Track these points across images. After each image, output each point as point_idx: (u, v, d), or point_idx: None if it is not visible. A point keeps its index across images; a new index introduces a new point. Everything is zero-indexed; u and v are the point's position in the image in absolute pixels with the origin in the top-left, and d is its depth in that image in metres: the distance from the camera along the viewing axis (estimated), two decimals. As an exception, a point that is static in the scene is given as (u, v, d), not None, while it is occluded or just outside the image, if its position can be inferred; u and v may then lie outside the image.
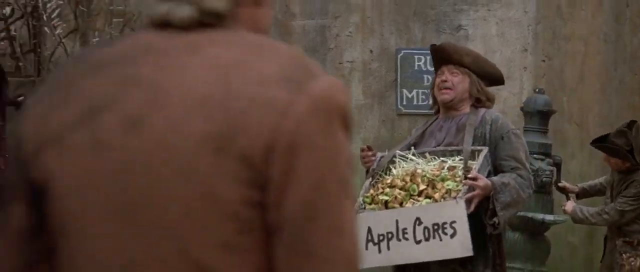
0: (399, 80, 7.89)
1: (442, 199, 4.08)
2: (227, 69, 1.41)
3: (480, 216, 4.13)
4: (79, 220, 1.46)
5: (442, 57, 4.46)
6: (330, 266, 1.39)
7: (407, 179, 4.19)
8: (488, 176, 4.14)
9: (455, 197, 4.05)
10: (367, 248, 4.11)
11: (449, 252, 3.99)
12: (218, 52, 1.43)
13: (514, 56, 7.95)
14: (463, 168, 4.16)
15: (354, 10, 7.98)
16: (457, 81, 4.33)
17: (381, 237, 4.08)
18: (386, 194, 4.19)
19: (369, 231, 4.12)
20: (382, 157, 4.42)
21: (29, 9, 8.86)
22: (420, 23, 8.23)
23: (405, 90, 8.00)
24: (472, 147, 4.22)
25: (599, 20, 8.27)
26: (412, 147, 4.45)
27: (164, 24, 1.46)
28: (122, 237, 1.42)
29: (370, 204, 4.26)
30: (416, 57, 8.21)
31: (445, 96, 4.39)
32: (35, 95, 1.58)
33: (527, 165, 4.33)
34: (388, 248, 4.05)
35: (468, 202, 4.01)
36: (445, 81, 4.38)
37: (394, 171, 4.30)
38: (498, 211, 4.06)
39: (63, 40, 8.65)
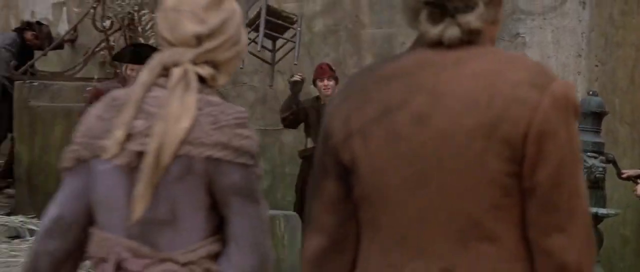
0: None
1: None
2: (488, 76, 1.79)
3: None
4: (380, 190, 1.86)
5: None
6: (570, 217, 1.78)
7: None
8: None
9: None
10: None
11: None
12: (479, 64, 1.80)
13: (569, 61, 7.88)
14: None
15: None
16: None
17: None
18: None
19: None
20: None
21: (126, 22, 9.13)
22: None
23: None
24: None
25: (650, 27, 8.20)
26: None
27: (436, 43, 1.82)
28: (415, 202, 1.81)
29: None
30: None
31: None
32: (334, 102, 1.99)
33: None
34: None
35: None
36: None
37: None
38: None
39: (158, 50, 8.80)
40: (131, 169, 2.23)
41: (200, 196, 2.26)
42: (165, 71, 2.26)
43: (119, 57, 7.39)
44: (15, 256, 8.09)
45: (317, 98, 7.77)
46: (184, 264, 2.26)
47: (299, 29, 8.33)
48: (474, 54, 1.83)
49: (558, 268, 1.80)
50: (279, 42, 8.46)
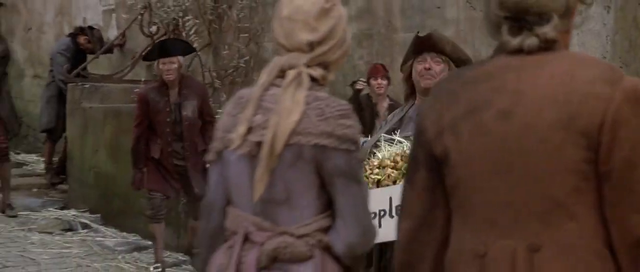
0: None
1: None
2: (564, 76, 1.96)
3: None
4: (470, 178, 2.05)
5: (427, 45, 4.08)
6: None
7: (398, 159, 3.84)
8: None
9: None
10: None
11: None
12: (556, 66, 1.98)
13: (594, 63, 7.83)
14: None
15: (449, 24, 7.93)
16: (439, 70, 4.01)
17: (373, 215, 3.63)
18: (377, 174, 3.85)
19: None
20: (365, 141, 4.02)
21: (171, 28, 9.21)
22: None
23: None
24: None
25: (672, 30, 8.12)
26: (396, 132, 4.05)
27: (515, 51, 2.01)
28: (502, 187, 1.99)
29: None
30: None
31: (427, 82, 4.01)
32: (426, 104, 2.23)
33: None
34: (380, 225, 3.67)
35: None
36: (429, 69, 4.03)
37: (380, 154, 3.95)
38: None
39: (199, 53, 8.79)
40: (252, 157, 2.50)
41: (311, 178, 2.50)
42: (281, 73, 2.50)
43: (149, 57, 7.40)
44: (68, 248, 8.27)
45: (369, 96, 7.76)
46: (299, 237, 2.50)
47: None
48: (551, 58, 2.00)
49: (635, 244, 1.95)
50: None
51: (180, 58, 6.91)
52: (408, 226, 2.22)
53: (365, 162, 3.88)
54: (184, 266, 7.63)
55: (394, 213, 3.65)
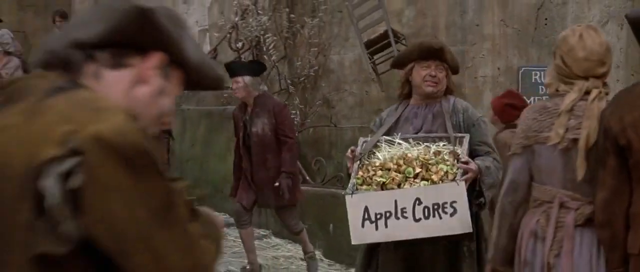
0: (520, 89, 7.73)
1: (440, 181, 3.52)
2: None
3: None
4: None
5: (435, 53, 3.91)
6: None
7: (401, 162, 3.61)
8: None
9: (454, 179, 3.51)
10: (363, 226, 3.57)
11: (449, 229, 3.50)
12: None
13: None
14: (450, 153, 3.62)
15: (486, 39, 8.01)
16: (442, 76, 3.85)
17: (379, 216, 3.52)
18: (382, 177, 3.62)
19: (366, 210, 3.56)
20: (365, 142, 3.84)
21: (254, 43, 9.41)
22: (536, 47, 8.05)
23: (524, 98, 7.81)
24: (456, 134, 3.70)
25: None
26: (395, 133, 3.85)
27: None
28: None
29: (361, 185, 3.68)
30: (533, 72, 7.98)
31: (431, 88, 3.86)
32: (609, 108, 2.83)
33: (495, 148, 3.88)
34: (386, 226, 3.51)
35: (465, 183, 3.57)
36: (434, 76, 3.86)
37: (380, 154, 3.72)
38: (484, 192, 3.61)
39: (276, 64, 9.03)
40: (566, 150, 2.99)
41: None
42: (586, 94, 2.99)
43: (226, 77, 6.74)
44: None
45: None
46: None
47: (395, 47, 8.18)
48: None
49: None
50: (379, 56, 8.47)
51: (246, 78, 6.39)
52: (604, 195, 2.85)
53: (365, 162, 3.71)
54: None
55: (399, 215, 3.50)
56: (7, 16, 11.96)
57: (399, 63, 4.08)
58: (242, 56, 9.62)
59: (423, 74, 3.83)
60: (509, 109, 5.81)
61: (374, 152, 3.72)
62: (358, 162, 3.71)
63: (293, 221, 6.62)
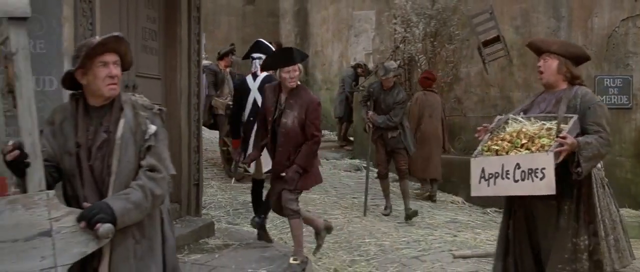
0: (595, 92, 7.46)
1: (537, 151, 3.35)
2: None
3: (568, 166, 3.35)
4: None
5: (536, 50, 3.62)
6: None
7: (514, 135, 3.48)
8: (576, 137, 3.37)
9: (546, 151, 3.30)
10: (480, 182, 3.42)
11: (537, 190, 3.26)
12: None
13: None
14: (556, 129, 3.41)
15: None
16: (547, 66, 3.53)
17: (490, 175, 3.39)
18: (497, 145, 3.49)
19: (483, 170, 3.41)
20: (499, 118, 3.64)
21: (407, 61, 9.95)
22: (607, 63, 8.17)
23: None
24: (565, 114, 3.44)
25: None
26: (522, 113, 3.63)
27: None
28: None
29: (487, 151, 3.52)
30: (604, 79, 8.16)
31: (540, 78, 3.62)
32: None
33: (608, 129, 3.47)
34: (495, 183, 3.36)
35: (557, 154, 3.27)
36: (539, 67, 3.60)
37: (508, 129, 3.55)
38: (581, 163, 3.31)
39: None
40: None
41: None
42: None
43: (271, 66, 4.97)
44: (352, 178, 8.83)
45: None
46: None
47: (504, 42, 8.20)
48: None
49: None
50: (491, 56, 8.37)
51: (300, 66, 4.84)
52: None
53: (495, 133, 3.55)
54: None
55: (504, 176, 3.33)
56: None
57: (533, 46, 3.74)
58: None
59: (538, 67, 3.64)
60: None
61: (505, 127, 3.59)
62: (489, 133, 3.59)
63: (290, 204, 4.83)
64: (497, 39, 8.43)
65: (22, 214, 2.29)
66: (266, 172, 5.51)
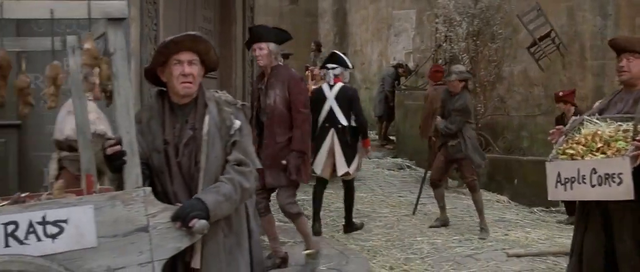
0: None
1: (613, 156, 3.21)
2: None
3: None
4: None
5: (619, 48, 3.49)
6: None
7: (589, 138, 3.36)
8: None
9: (622, 155, 3.16)
10: (556, 187, 3.31)
11: (615, 196, 3.13)
12: None
13: None
14: (633, 131, 3.28)
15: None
16: (632, 65, 3.41)
17: (566, 180, 3.28)
18: (572, 149, 3.38)
19: (559, 175, 3.31)
20: (574, 120, 3.55)
21: (448, 60, 9.55)
22: None
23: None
24: None
25: None
26: (597, 114, 3.51)
27: None
28: None
29: (562, 154, 3.42)
30: None
31: (622, 77, 3.47)
32: None
33: None
34: (571, 188, 3.25)
35: (633, 158, 3.12)
36: (622, 66, 3.46)
37: (583, 131, 3.44)
38: None
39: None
40: None
41: None
42: None
43: (247, 44, 4.74)
44: (397, 177, 8.92)
45: None
46: None
47: (557, 39, 8.21)
48: None
49: None
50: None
51: (271, 45, 4.49)
52: None
53: (570, 136, 3.45)
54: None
55: (580, 181, 3.24)
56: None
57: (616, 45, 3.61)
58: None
59: (617, 66, 3.52)
60: None
61: (580, 129, 3.48)
62: (564, 136, 3.48)
63: (288, 200, 4.63)
64: (548, 35, 8.36)
65: (121, 210, 2.31)
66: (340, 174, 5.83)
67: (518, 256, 5.59)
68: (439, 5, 9.89)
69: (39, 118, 4.34)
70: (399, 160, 10.03)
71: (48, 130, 4.33)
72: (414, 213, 7.12)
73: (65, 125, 3.92)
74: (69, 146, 3.80)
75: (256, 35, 4.49)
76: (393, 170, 9.59)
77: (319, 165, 5.89)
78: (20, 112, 2.61)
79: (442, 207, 6.64)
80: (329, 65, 6.06)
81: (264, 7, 15.45)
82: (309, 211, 6.38)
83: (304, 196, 7.17)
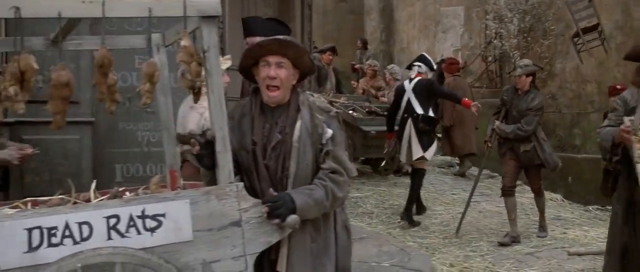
0: None
1: None
2: None
3: None
4: None
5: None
6: None
7: None
8: None
9: None
10: None
11: None
12: None
13: None
14: None
15: None
16: None
17: None
18: None
19: None
20: (630, 120, 3.47)
21: (498, 57, 9.62)
22: None
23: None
24: None
25: None
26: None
27: None
28: None
29: None
30: None
31: None
32: None
33: None
34: None
35: None
36: None
37: None
38: None
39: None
40: None
41: None
42: None
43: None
44: (446, 175, 8.84)
45: None
46: None
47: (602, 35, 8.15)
48: None
49: None
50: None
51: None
52: None
53: (638, 135, 3.38)
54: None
55: None
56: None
57: (635, 56, 3.60)
58: (489, 67, 10.04)
59: None
60: None
61: None
62: (633, 135, 3.41)
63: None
64: (595, 28, 8.25)
65: (216, 204, 2.33)
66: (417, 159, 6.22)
67: (579, 254, 5.56)
68: (490, 2, 10.01)
69: (112, 115, 4.43)
70: (448, 158, 9.85)
71: (120, 127, 4.50)
72: (457, 232, 6.29)
73: (188, 120, 3.93)
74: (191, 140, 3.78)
75: (247, 28, 3.56)
76: (443, 167, 9.52)
77: (403, 153, 6.36)
78: (108, 109, 2.66)
79: (513, 220, 5.91)
80: (415, 63, 6.67)
81: (309, 5, 15.64)
82: (363, 208, 6.49)
83: (357, 194, 7.19)
